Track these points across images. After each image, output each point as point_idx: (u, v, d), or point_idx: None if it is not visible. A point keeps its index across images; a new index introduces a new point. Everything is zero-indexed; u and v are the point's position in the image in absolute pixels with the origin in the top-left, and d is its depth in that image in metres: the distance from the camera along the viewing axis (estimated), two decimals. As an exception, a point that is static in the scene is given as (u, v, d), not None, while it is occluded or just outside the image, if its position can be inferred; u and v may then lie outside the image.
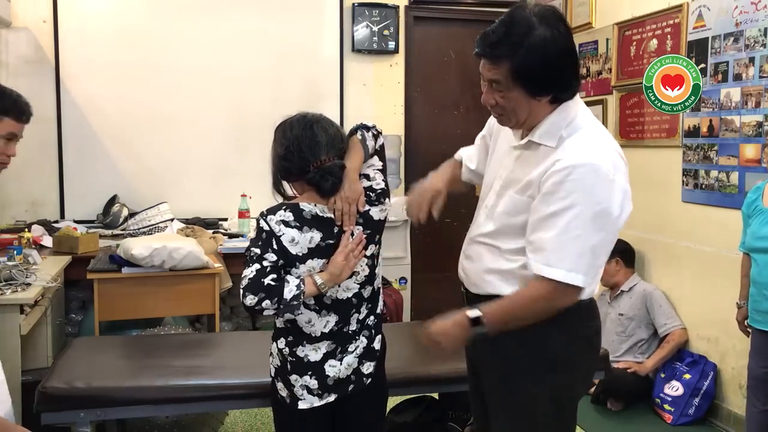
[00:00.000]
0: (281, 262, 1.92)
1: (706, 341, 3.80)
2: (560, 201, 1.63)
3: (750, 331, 2.99)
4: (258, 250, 1.90)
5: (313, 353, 1.99)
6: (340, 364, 2.00)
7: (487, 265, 1.82)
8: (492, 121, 1.96)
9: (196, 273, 3.57)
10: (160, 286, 3.53)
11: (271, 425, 2.15)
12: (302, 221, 1.93)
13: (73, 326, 4.10)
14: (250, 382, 2.45)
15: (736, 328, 3.13)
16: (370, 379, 2.04)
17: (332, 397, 2.00)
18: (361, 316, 2.04)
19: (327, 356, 1.99)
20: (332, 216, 1.96)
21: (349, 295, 2.01)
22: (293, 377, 1.99)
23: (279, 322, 2.03)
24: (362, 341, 2.03)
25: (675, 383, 3.79)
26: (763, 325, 2.83)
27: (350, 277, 1.99)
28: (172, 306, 3.62)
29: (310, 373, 1.98)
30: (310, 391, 1.98)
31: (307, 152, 1.95)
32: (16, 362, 2.84)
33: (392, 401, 3.27)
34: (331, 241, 1.96)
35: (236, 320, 4.55)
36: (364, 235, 2.00)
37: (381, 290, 2.13)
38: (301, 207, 1.95)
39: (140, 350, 2.89)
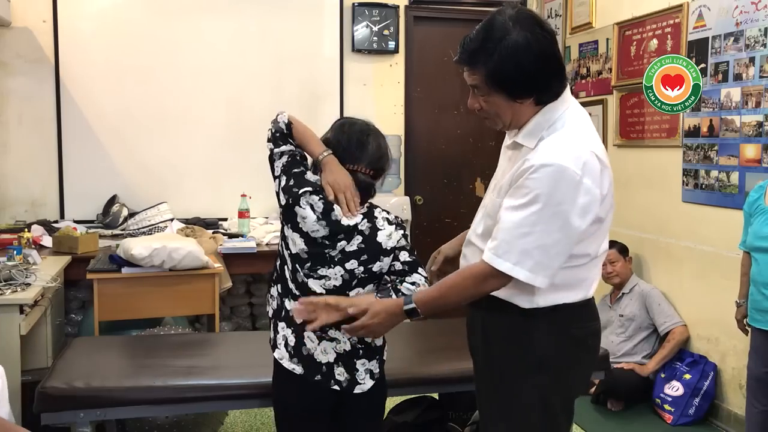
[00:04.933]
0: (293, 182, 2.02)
1: (706, 341, 3.80)
2: (522, 197, 1.65)
3: (749, 329, 2.99)
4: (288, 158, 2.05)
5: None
6: (318, 344, 2.01)
7: None
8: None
9: (196, 273, 3.56)
10: (159, 286, 3.53)
11: (271, 425, 2.14)
12: (324, 215, 1.99)
13: (73, 326, 4.10)
14: (250, 382, 2.45)
15: (736, 328, 3.13)
16: (346, 384, 2.03)
17: (299, 369, 2.00)
18: None
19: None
20: (343, 224, 2.00)
21: (317, 290, 2.01)
22: (281, 325, 2.04)
23: (278, 268, 2.08)
24: (345, 344, 2.02)
25: (675, 383, 3.79)
26: (763, 324, 2.83)
27: (320, 279, 2.01)
28: (172, 306, 3.62)
29: (293, 328, 2.02)
30: (286, 344, 2.02)
31: (354, 150, 2.06)
32: (15, 362, 2.84)
33: (392, 401, 3.27)
34: (327, 243, 2.00)
35: (236, 320, 4.55)
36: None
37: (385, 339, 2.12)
38: (334, 207, 2.01)
39: (140, 350, 2.88)
